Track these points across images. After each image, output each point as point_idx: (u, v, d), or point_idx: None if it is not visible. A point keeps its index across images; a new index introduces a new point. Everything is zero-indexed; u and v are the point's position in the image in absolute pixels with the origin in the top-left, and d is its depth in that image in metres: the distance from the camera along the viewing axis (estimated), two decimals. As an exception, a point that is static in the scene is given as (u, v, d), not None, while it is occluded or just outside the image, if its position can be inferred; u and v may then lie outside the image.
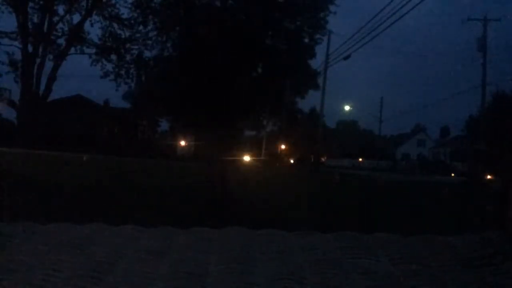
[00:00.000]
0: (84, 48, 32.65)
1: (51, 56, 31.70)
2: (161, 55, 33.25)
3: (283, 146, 42.12)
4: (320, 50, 33.19)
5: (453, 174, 34.74)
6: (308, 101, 67.18)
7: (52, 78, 30.91)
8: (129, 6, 31.60)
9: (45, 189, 6.33)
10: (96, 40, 32.59)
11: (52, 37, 31.74)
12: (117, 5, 32.01)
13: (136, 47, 33.06)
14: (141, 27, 32.55)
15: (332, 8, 32.79)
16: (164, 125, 46.79)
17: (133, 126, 39.67)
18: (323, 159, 47.13)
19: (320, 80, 31.77)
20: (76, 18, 32.29)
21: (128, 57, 32.99)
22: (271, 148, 42.35)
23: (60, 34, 32.16)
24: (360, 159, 57.53)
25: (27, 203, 4.98)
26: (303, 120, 44.36)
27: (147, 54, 33.45)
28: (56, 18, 31.88)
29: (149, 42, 32.71)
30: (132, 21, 32.21)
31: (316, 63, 35.17)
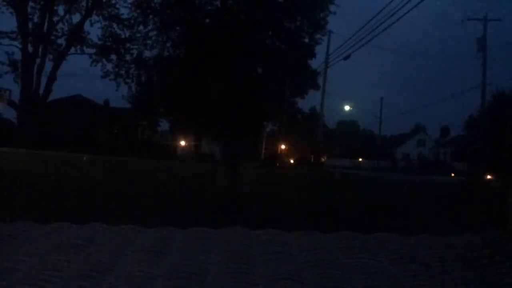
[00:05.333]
0: (84, 48, 32.70)
1: (51, 56, 31.74)
2: (161, 55, 33.35)
3: (283, 146, 42.13)
4: (320, 50, 33.27)
5: (453, 174, 34.76)
6: (308, 101, 67.31)
7: (52, 78, 30.92)
8: (129, 6, 31.69)
9: (45, 189, 6.33)
10: (96, 40, 32.65)
11: (52, 37, 31.76)
12: (117, 5, 32.06)
13: (136, 47, 33.15)
14: (141, 27, 32.67)
15: (332, 8, 32.90)
16: (164, 125, 46.86)
17: (133, 126, 39.68)
18: (323, 159, 47.14)
19: (320, 80, 31.81)
20: (76, 18, 32.33)
21: (128, 57, 33.08)
22: (271, 148, 42.37)
23: (60, 34, 32.20)
24: (360, 159, 57.56)
25: (27, 203, 4.98)
26: (303, 120, 44.36)
27: (147, 54, 33.57)
28: (56, 18, 31.92)
29: (149, 42, 32.83)
30: (132, 21, 32.29)
31: (316, 63, 35.24)
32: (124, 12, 32.34)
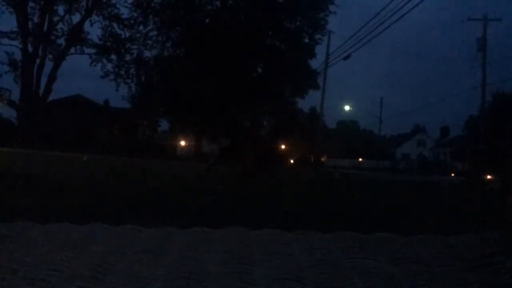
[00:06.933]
0: (84, 48, 32.68)
1: (51, 56, 31.73)
2: (161, 55, 33.33)
3: (283, 146, 42.06)
4: (320, 50, 33.23)
5: (453, 174, 34.76)
6: (308, 101, 67.19)
7: (52, 78, 30.91)
8: (129, 6, 31.68)
9: (45, 189, 6.33)
10: (96, 40, 32.63)
11: (52, 37, 31.75)
12: (117, 5, 32.05)
13: (136, 47, 33.10)
14: (141, 27, 32.62)
15: (332, 8, 32.90)
16: (164, 125, 46.83)
17: (133, 126, 39.67)
18: (323, 159, 47.08)
19: (320, 80, 31.75)
20: (76, 18, 32.32)
21: (128, 57, 33.00)
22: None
23: (60, 34, 32.18)
24: (360, 159, 57.54)
25: (27, 203, 4.98)
26: (303, 120, 44.30)
27: (147, 54, 33.53)
28: (56, 18, 31.90)
29: (149, 42, 32.80)
30: (132, 21, 32.24)
31: (316, 63, 35.18)
32: (124, 12, 32.32)
